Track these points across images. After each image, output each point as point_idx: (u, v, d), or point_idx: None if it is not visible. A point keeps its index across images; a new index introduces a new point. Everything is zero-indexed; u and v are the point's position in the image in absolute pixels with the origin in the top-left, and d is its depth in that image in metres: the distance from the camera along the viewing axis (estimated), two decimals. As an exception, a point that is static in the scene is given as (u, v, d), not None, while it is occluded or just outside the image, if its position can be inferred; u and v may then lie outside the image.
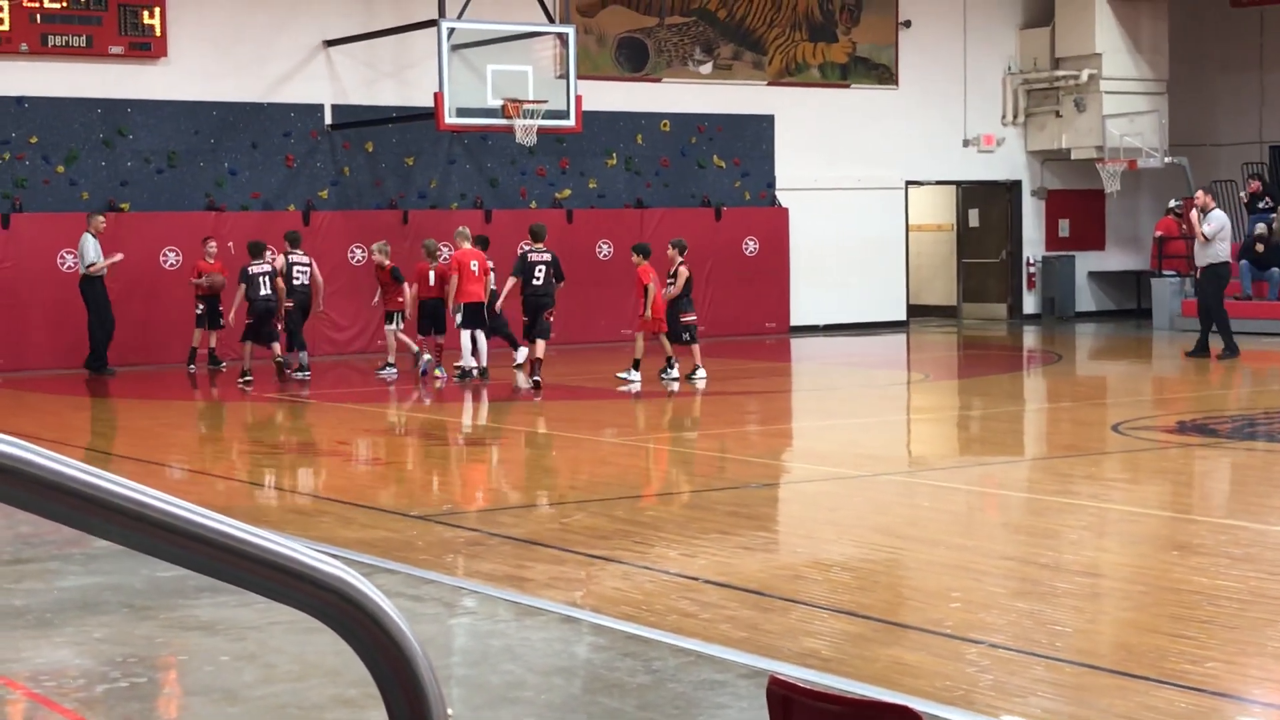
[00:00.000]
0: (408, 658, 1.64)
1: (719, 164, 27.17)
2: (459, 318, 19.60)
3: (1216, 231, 21.57)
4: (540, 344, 18.95)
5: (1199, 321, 22.13)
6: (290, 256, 20.53)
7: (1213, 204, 22.28)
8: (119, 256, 21.20)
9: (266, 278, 19.85)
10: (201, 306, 21.40)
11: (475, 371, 19.49)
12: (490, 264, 19.99)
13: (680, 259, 19.10)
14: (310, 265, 20.61)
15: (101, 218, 21.28)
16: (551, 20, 22.85)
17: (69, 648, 7.02)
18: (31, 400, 18.69)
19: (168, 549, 1.57)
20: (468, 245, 19.91)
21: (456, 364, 19.56)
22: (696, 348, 19.07)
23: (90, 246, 20.94)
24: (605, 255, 25.76)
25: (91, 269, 20.88)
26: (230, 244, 22.72)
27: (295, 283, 20.38)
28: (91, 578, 8.42)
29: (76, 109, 22.37)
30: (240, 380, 19.33)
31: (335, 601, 1.63)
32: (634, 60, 26.65)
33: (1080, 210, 30.94)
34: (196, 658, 6.91)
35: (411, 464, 13.78)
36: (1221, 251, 21.68)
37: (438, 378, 19.69)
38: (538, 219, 25.18)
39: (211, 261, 21.53)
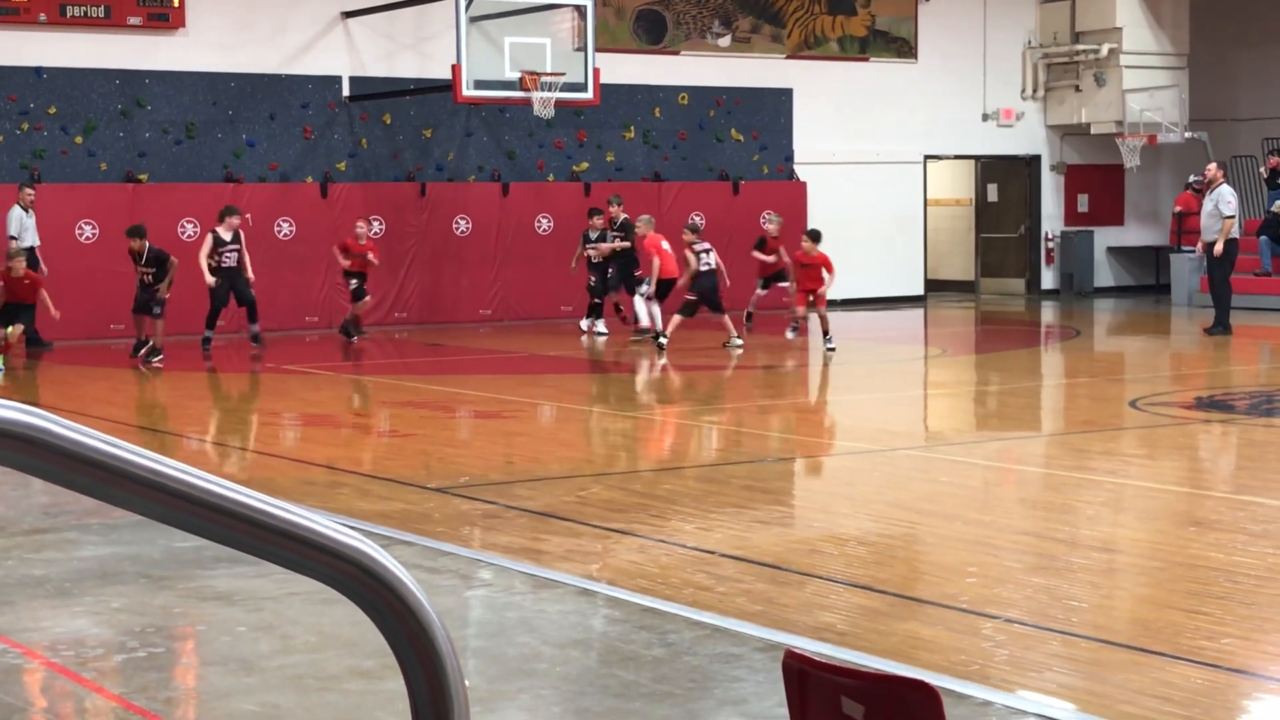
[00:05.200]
0: (426, 629, 1.65)
1: (737, 137, 27.12)
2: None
3: (1237, 210, 21.57)
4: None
5: (1212, 298, 22.09)
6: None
7: (1221, 179, 22.19)
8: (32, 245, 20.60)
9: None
10: (354, 281, 21.45)
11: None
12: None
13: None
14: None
15: (31, 190, 20.70)
16: (570, -8, 22.80)
17: (87, 617, 7.05)
18: (74, 373, 18.73)
19: (188, 520, 1.58)
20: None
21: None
22: None
23: (14, 219, 20.35)
24: (623, 228, 25.73)
25: (11, 243, 20.13)
26: (249, 215, 22.73)
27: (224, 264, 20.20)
28: (110, 548, 8.45)
29: (95, 80, 22.39)
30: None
31: (355, 573, 1.63)
32: (652, 33, 26.59)
33: (1099, 185, 30.84)
34: (214, 628, 6.94)
35: (427, 436, 13.79)
36: (1232, 228, 21.68)
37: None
38: (555, 192, 25.25)
39: (363, 242, 21.37)
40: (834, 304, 27.23)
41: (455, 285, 24.39)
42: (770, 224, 23.41)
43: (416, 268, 24.27)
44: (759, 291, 23.02)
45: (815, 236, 20.23)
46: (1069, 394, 16.66)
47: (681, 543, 8.59)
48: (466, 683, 1.70)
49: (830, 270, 19.85)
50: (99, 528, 8.93)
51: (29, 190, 20.66)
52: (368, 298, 21.62)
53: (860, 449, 12.39)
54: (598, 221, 22.27)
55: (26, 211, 20.53)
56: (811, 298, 19.93)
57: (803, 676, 2.45)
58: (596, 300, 22.35)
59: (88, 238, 22.02)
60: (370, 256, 21.34)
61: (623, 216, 22.31)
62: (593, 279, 22.34)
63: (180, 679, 6.43)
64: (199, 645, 6.88)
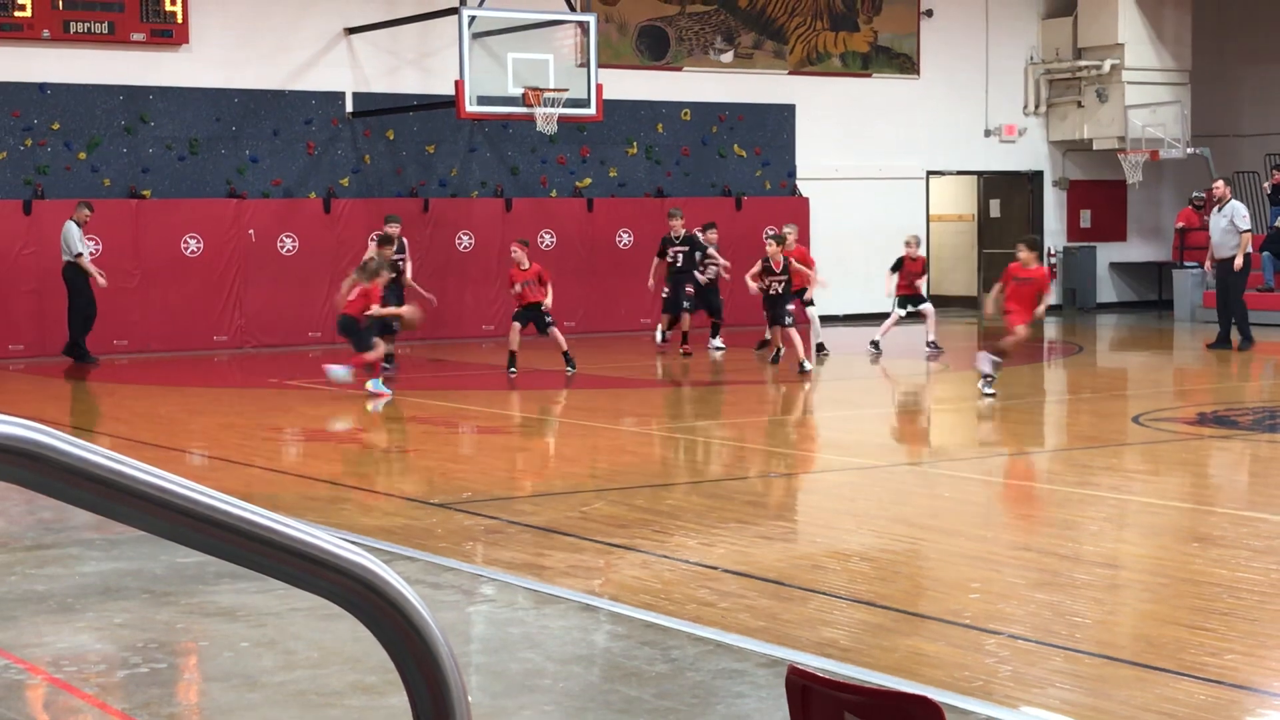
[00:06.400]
0: (431, 646, 1.65)
1: (740, 153, 27.15)
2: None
3: (1249, 224, 21.73)
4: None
5: (1218, 314, 22.10)
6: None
7: (1229, 195, 22.22)
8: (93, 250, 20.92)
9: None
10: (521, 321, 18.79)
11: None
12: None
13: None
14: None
15: (88, 209, 20.88)
16: (573, 8, 22.85)
17: (90, 633, 7.05)
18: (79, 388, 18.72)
19: (191, 535, 1.58)
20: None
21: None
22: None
23: (75, 236, 20.63)
24: (625, 244, 25.74)
25: (79, 259, 20.55)
26: (251, 231, 22.79)
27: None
28: (113, 563, 8.45)
29: (98, 96, 22.42)
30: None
31: (359, 589, 1.63)
32: (655, 49, 26.62)
33: (1102, 201, 30.86)
34: (216, 644, 6.94)
35: (430, 451, 13.79)
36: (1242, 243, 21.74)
37: None
38: (558, 207, 25.28)
39: (526, 268, 18.63)
40: (836, 319, 27.34)
41: (458, 301, 24.40)
42: (910, 247, 21.60)
43: (419, 283, 24.24)
44: (899, 312, 21.67)
45: (1034, 245, 16.73)
46: (1072, 409, 16.65)
47: (684, 558, 8.58)
48: (469, 698, 1.70)
49: (1047, 290, 16.50)
50: (101, 543, 8.93)
51: (86, 210, 20.81)
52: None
53: (863, 464, 12.38)
54: (678, 225, 21.78)
55: (80, 228, 20.76)
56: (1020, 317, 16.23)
57: (806, 692, 2.45)
58: (673, 315, 21.70)
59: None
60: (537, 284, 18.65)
61: (684, 231, 21.85)
62: (667, 291, 21.70)
63: (183, 695, 6.42)
64: (202, 661, 6.87)
